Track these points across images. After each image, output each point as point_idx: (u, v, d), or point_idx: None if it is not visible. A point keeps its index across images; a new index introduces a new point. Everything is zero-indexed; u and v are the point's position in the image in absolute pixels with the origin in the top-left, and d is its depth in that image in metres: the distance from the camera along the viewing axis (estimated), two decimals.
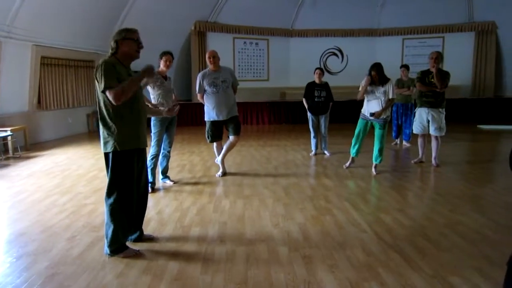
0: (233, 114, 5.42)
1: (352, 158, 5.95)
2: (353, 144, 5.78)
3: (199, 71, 12.64)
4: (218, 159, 5.65)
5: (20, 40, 7.89)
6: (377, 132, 5.51)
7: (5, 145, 7.62)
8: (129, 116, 2.99)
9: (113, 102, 2.83)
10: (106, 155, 3.01)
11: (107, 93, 2.81)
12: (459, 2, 12.95)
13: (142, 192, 3.25)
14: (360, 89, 5.52)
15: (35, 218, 3.95)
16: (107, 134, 2.96)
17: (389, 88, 5.34)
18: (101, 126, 2.99)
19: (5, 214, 4.13)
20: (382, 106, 5.36)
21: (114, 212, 3.01)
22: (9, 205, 4.41)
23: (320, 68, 7.13)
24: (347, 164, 5.98)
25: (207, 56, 5.34)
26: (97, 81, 2.88)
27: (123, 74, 2.94)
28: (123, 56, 3.02)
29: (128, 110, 2.97)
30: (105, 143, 2.98)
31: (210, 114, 5.38)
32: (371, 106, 5.46)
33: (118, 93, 2.80)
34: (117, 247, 3.05)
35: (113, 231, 3.01)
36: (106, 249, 3.06)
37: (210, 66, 5.29)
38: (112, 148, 2.95)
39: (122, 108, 2.92)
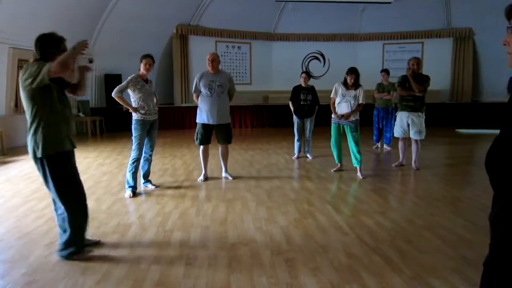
0: (224, 121, 5.37)
1: (339, 163, 6.01)
2: (332, 149, 5.92)
3: (181, 75, 12.84)
4: (223, 173, 5.64)
5: None
6: (350, 135, 5.63)
7: None
8: (54, 119, 2.93)
9: (59, 70, 2.72)
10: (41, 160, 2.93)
11: (52, 68, 2.70)
12: (437, 8, 13.27)
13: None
14: (332, 94, 5.74)
15: (12, 224, 3.85)
16: (37, 138, 2.89)
17: (360, 93, 5.52)
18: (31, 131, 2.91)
19: None
20: (351, 109, 5.48)
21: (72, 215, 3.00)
22: None
23: (306, 72, 7.22)
24: (335, 168, 6.03)
25: (207, 57, 5.28)
26: (31, 78, 2.77)
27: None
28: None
29: (52, 112, 2.91)
30: (36, 147, 2.90)
31: (201, 116, 5.34)
32: (340, 108, 5.62)
33: (59, 61, 2.70)
34: (75, 250, 3.02)
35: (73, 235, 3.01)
36: (62, 254, 3.02)
37: (208, 68, 5.26)
38: (47, 152, 2.89)
39: (45, 111, 2.87)
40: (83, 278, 2.73)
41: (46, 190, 3.11)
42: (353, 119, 5.58)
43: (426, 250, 3.16)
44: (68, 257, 3.02)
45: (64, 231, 3.05)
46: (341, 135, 5.79)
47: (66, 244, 3.02)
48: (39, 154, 2.89)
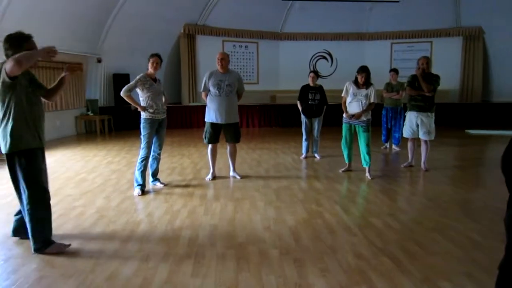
0: (233, 121, 5.38)
1: (348, 163, 5.97)
2: (342, 149, 5.86)
3: (189, 74, 12.86)
4: (231, 172, 5.65)
5: None
6: (361, 135, 5.57)
7: None
8: (21, 116, 3.01)
9: (15, 69, 2.81)
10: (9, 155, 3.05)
11: (7, 66, 2.82)
12: (446, 7, 13.13)
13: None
14: (343, 93, 5.67)
15: None
16: (4, 135, 3.01)
17: (371, 92, 5.46)
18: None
19: None
20: (362, 108, 5.43)
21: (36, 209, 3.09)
22: None
23: (314, 71, 7.19)
24: (344, 168, 5.99)
25: (217, 56, 5.28)
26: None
27: (21, 77, 2.98)
28: None
29: (20, 110, 3.00)
30: (5, 143, 3.01)
31: (210, 115, 5.35)
32: (351, 107, 5.56)
33: (11, 64, 2.79)
34: (42, 243, 3.09)
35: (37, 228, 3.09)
36: (33, 248, 3.09)
37: (218, 67, 5.26)
38: (16, 149, 2.99)
39: (14, 109, 2.97)
40: (92, 275, 2.75)
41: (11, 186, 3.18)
42: (365, 119, 5.52)
43: (436, 252, 3.14)
44: (38, 251, 3.09)
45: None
46: (352, 135, 5.74)
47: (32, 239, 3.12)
48: (4, 150, 3.01)
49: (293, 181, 5.48)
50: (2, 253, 3.14)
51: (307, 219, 3.92)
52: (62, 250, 3.12)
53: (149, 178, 5.20)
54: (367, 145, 5.54)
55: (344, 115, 5.71)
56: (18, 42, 3.02)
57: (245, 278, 2.71)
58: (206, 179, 5.52)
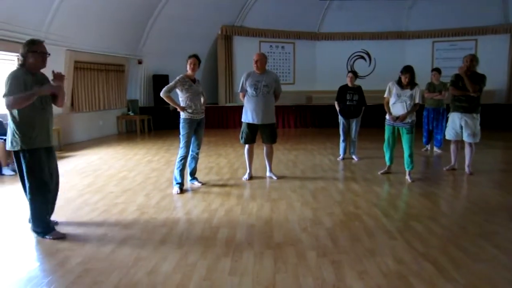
0: (270, 121, 5.38)
1: (388, 165, 5.83)
2: (385, 151, 5.71)
3: (226, 75, 13.01)
4: (268, 172, 5.67)
5: (55, 45, 8.14)
6: (405, 137, 5.39)
7: None
8: (30, 118, 3.35)
9: (9, 109, 3.25)
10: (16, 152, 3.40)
11: (5, 99, 3.20)
12: (493, 3, 12.55)
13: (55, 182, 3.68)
14: (386, 93, 5.50)
15: (70, 215, 4.08)
16: (14, 134, 3.33)
17: (416, 93, 5.25)
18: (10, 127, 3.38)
19: None
20: (406, 110, 5.26)
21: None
22: None
23: (352, 71, 7.07)
24: (383, 170, 5.86)
25: (253, 58, 5.31)
26: (5, 90, 3.23)
27: (29, 82, 3.28)
28: (30, 67, 3.36)
29: (30, 112, 3.33)
30: (12, 142, 3.36)
31: (247, 116, 5.38)
32: (395, 109, 5.38)
33: (10, 101, 3.18)
34: (43, 228, 3.44)
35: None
36: (34, 231, 3.49)
37: (254, 68, 5.31)
38: (18, 147, 3.33)
39: (23, 111, 3.29)
40: (134, 270, 2.84)
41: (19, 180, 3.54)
42: (409, 120, 5.32)
43: (480, 258, 3.01)
44: (38, 235, 3.46)
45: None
46: (396, 137, 5.54)
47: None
48: (13, 148, 3.36)
49: (330, 182, 5.43)
50: (50, 246, 3.29)
51: (344, 221, 3.87)
52: (59, 237, 3.42)
53: (188, 177, 5.30)
54: (410, 147, 5.36)
55: (387, 116, 5.54)
56: (24, 46, 3.36)
57: (282, 278, 2.71)
58: (243, 179, 5.56)
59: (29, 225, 3.58)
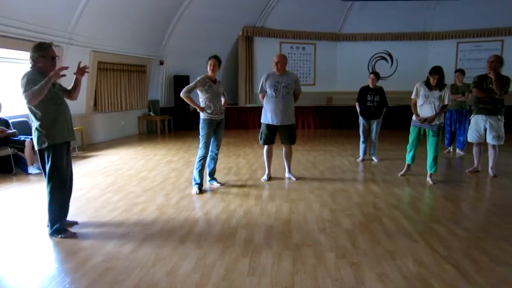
0: (289, 122, 5.38)
1: (408, 165, 5.72)
2: (408, 150, 5.59)
3: (246, 76, 13.05)
4: (287, 173, 5.68)
5: (80, 46, 8.34)
6: (431, 139, 5.26)
7: None
8: (49, 116, 3.45)
9: (31, 104, 3.32)
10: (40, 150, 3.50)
11: (24, 96, 3.27)
12: None
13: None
14: (413, 95, 5.36)
15: (91, 214, 4.16)
16: (36, 133, 3.44)
17: (445, 94, 5.10)
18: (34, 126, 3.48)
19: None
20: (435, 111, 5.15)
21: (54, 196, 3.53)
22: None
23: (374, 73, 6.98)
24: (403, 171, 5.77)
25: (273, 59, 5.31)
26: (22, 90, 3.31)
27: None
28: (39, 70, 3.43)
29: (48, 111, 3.44)
30: (36, 140, 3.46)
31: (266, 117, 5.39)
32: (423, 111, 5.24)
33: (30, 96, 3.25)
34: (58, 228, 3.51)
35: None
36: (50, 230, 3.55)
37: (274, 69, 5.31)
38: (45, 144, 3.42)
39: (42, 110, 3.40)
40: (153, 269, 2.88)
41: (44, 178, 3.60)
42: (437, 123, 5.17)
43: (504, 262, 2.94)
44: (52, 235, 3.52)
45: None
46: (420, 139, 5.42)
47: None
48: (36, 147, 3.47)
49: (349, 183, 5.38)
50: (73, 244, 3.37)
51: (364, 222, 3.83)
52: (73, 237, 3.49)
53: (207, 178, 5.34)
54: (436, 150, 5.23)
55: (414, 117, 5.41)
56: (33, 53, 3.45)
57: (301, 279, 2.71)
58: (262, 179, 5.57)
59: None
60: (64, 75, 3.34)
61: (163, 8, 10.35)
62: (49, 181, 3.49)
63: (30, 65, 3.48)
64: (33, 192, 5.13)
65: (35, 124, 3.45)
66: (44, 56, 3.43)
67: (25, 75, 3.36)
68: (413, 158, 5.60)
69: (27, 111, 3.48)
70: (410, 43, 13.71)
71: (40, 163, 3.60)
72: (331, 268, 2.87)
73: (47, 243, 3.43)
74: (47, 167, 3.48)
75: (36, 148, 3.51)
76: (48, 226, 3.59)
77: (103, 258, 3.08)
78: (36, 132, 3.45)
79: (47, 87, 3.31)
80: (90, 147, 8.77)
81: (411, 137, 5.48)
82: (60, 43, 7.84)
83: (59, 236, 3.49)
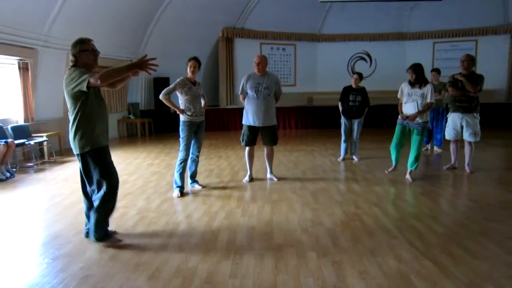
0: (270, 123, 5.39)
1: (395, 165, 5.74)
2: (391, 151, 5.62)
3: (227, 77, 13.03)
4: (268, 174, 5.68)
5: (56, 48, 8.18)
6: (415, 138, 5.31)
7: (41, 150, 7.92)
8: (90, 118, 3.27)
9: (98, 84, 3.06)
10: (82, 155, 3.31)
11: (92, 80, 3.03)
12: (493, 4, 12.55)
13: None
14: (398, 94, 5.47)
15: (70, 220, 4.08)
16: (77, 137, 3.26)
17: (428, 91, 5.16)
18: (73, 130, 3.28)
19: (42, 216, 4.29)
20: (417, 109, 5.21)
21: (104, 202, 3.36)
22: (45, 208, 4.57)
23: (357, 73, 7.05)
24: (390, 169, 5.78)
25: (254, 60, 5.29)
26: (73, 83, 3.12)
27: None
28: (82, 66, 3.26)
29: (90, 112, 3.25)
30: (78, 144, 3.27)
31: (247, 118, 5.39)
32: (406, 108, 5.30)
33: (103, 75, 3.03)
34: (105, 234, 3.41)
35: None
36: (93, 237, 3.40)
37: (255, 70, 5.32)
38: (88, 148, 3.25)
39: (84, 111, 3.22)
40: (134, 275, 2.84)
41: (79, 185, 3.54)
42: (420, 121, 5.22)
43: (481, 256, 3.01)
44: (99, 241, 3.38)
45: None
46: (406, 137, 5.46)
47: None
48: (78, 151, 3.28)
49: (330, 183, 5.43)
50: (51, 252, 3.29)
51: (345, 221, 3.87)
52: (117, 244, 3.38)
53: (188, 180, 5.30)
54: (418, 149, 5.29)
55: (399, 116, 5.46)
56: (75, 47, 3.32)
57: (283, 280, 2.71)
58: (244, 181, 5.57)
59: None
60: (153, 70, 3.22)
61: (141, 9, 10.25)
62: (100, 190, 3.32)
63: (71, 63, 3.28)
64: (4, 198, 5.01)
65: (73, 127, 3.26)
66: (85, 49, 3.28)
67: (72, 71, 3.18)
68: (397, 159, 5.63)
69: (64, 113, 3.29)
70: (388, 43, 13.93)
71: (82, 170, 3.39)
72: (313, 268, 2.88)
73: (26, 251, 3.34)
74: (96, 174, 3.30)
75: (76, 152, 3.31)
76: (91, 233, 3.42)
77: (83, 265, 3.01)
78: (78, 135, 3.25)
79: (127, 72, 3.16)
80: (68, 151, 8.59)
81: (396, 135, 5.50)
82: (34, 45, 7.69)
83: (107, 242, 3.38)
